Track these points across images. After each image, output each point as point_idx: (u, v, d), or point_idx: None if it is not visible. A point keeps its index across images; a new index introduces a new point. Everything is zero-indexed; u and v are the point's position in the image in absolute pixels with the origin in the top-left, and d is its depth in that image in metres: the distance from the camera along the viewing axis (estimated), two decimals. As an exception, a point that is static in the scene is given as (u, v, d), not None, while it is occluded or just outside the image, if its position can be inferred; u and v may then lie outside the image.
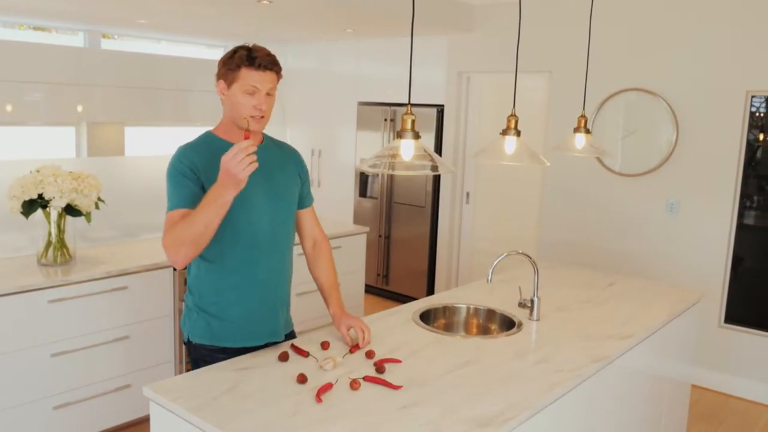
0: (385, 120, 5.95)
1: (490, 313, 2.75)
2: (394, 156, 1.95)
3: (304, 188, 2.34)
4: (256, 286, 2.17)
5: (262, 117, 2.07)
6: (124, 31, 6.44)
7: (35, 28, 6.58)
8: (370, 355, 2.16)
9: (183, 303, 2.25)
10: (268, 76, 2.05)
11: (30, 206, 3.00)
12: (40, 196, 3.01)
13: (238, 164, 1.79)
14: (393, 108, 5.89)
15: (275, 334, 2.25)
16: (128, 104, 6.08)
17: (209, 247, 2.03)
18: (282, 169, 2.22)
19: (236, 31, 6.01)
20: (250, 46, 2.06)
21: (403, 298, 5.76)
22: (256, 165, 1.82)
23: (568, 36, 4.77)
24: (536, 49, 4.85)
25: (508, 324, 2.64)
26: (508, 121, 2.44)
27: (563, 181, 4.91)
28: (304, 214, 2.38)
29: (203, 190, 2.00)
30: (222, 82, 2.07)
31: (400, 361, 2.13)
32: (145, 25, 5.67)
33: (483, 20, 5.28)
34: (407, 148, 1.94)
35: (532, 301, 2.66)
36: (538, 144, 5.01)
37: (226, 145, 2.05)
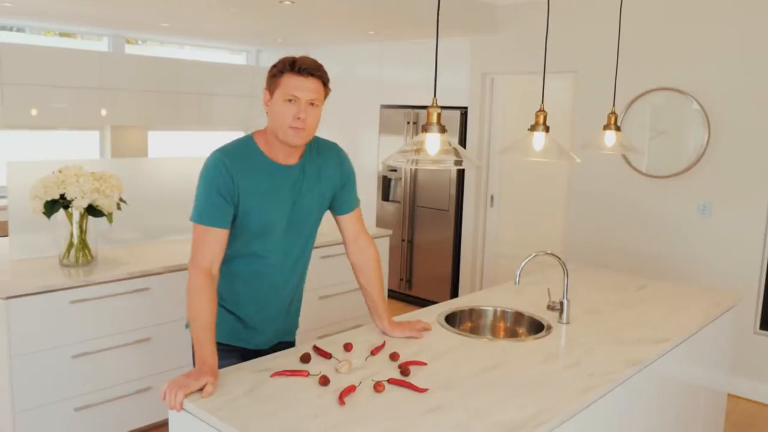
0: (408, 123, 5.89)
1: (518, 316, 2.66)
2: (418, 151, 1.89)
3: (345, 193, 2.22)
4: (260, 299, 2.14)
5: (303, 129, 1.95)
6: (148, 35, 6.47)
7: (61, 34, 6.66)
8: (394, 357, 2.09)
9: None
10: (311, 83, 1.94)
11: (52, 206, 2.99)
12: (62, 196, 3.00)
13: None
14: (416, 111, 5.83)
15: (268, 342, 2.22)
16: (152, 108, 6.10)
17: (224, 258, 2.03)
18: (314, 190, 2.12)
19: (259, 34, 6.00)
20: (297, 56, 1.98)
21: (426, 303, 5.68)
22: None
23: (594, 35, 4.67)
24: (561, 48, 4.76)
25: (537, 327, 2.56)
26: (537, 116, 2.37)
27: (590, 183, 4.81)
28: (345, 220, 2.26)
29: (237, 199, 1.97)
30: (266, 92, 1.99)
31: (425, 364, 2.06)
32: (168, 29, 5.69)
33: (506, 21, 5.21)
34: (433, 142, 1.87)
35: (561, 304, 2.57)
36: (566, 145, 4.91)
37: (262, 158, 2.02)
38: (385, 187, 6.18)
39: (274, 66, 1.97)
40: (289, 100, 1.93)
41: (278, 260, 2.12)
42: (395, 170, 6.08)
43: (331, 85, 2.03)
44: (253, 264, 2.09)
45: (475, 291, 5.64)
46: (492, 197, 5.58)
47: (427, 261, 5.92)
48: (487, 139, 5.51)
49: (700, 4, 4.24)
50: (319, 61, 2.01)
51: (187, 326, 2.24)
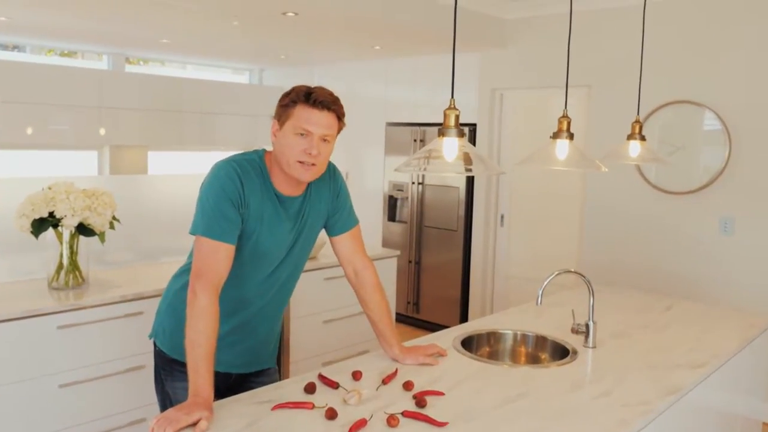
0: (415, 140, 5.73)
1: (540, 340, 2.46)
2: (435, 157, 1.72)
3: (338, 212, 2.06)
4: (237, 321, 1.98)
5: (313, 165, 1.80)
6: (148, 53, 6.36)
7: (61, 54, 6.56)
8: (408, 386, 1.89)
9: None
10: (326, 118, 1.79)
11: (40, 225, 2.81)
12: (51, 214, 2.82)
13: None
14: (423, 128, 5.68)
15: (240, 366, 2.05)
16: (152, 128, 5.96)
17: None
18: (313, 217, 1.99)
19: (261, 51, 5.88)
20: (312, 86, 1.84)
21: (435, 327, 5.46)
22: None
23: (608, 49, 4.52)
24: (575, 62, 4.59)
25: (561, 352, 2.36)
26: (560, 122, 2.20)
27: (605, 200, 4.63)
28: (338, 241, 2.10)
29: (243, 218, 1.83)
30: (275, 122, 1.84)
31: (442, 394, 1.87)
32: (168, 46, 5.57)
33: (517, 35, 5.07)
34: (450, 147, 1.70)
35: (587, 326, 2.37)
36: (577, 162, 4.75)
37: (269, 184, 1.87)
38: (391, 207, 6.00)
39: (287, 95, 1.82)
40: (301, 134, 1.78)
41: (265, 288, 1.97)
42: (401, 189, 5.91)
43: (339, 97, 1.88)
44: (237, 289, 1.92)
45: (485, 314, 5.43)
46: (502, 216, 5.40)
47: (435, 283, 5.72)
48: (497, 156, 5.34)
49: (718, 16, 4.09)
50: (324, 78, 1.90)
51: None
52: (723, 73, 4.07)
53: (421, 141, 5.67)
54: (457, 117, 1.71)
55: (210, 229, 1.78)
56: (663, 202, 4.36)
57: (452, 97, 1.73)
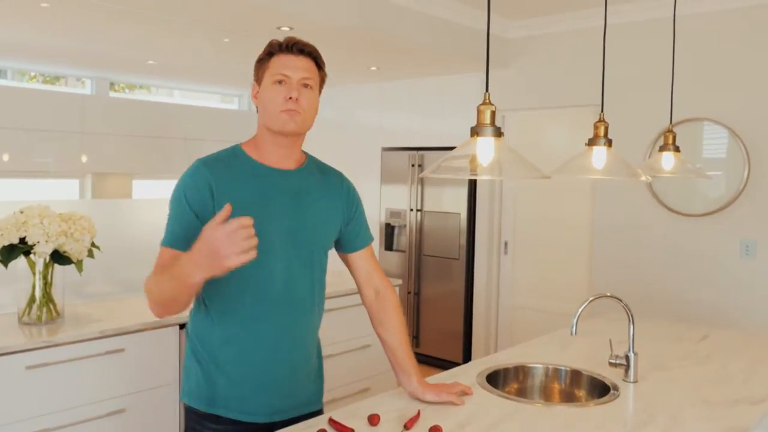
0: (413, 165, 5.50)
1: (575, 375, 2.19)
2: (468, 161, 1.47)
3: (353, 226, 1.85)
4: (263, 348, 1.68)
5: (297, 112, 1.62)
6: (133, 77, 6.12)
7: (44, 81, 6.31)
8: (436, 431, 1.61)
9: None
10: (302, 61, 1.64)
11: (10, 252, 2.52)
12: (23, 240, 2.54)
13: (232, 245, 1.30)
14: (420, 152, 5.45)
15: (283, 412, 1.74)
16: (136, 155, 5.70)
17: (206, 291, 1.65)
18: (319, 204, 1.75)
19: (251, 74, 5.66)
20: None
21: (436, 362, 5.18)
22: (253, 255, 1.33)
23: (618, 67, 4.34)
24: (582, 81, 4.42)
25: (599, 388, 2.09)
26: (596, 128, 1.97)
27: (616, 223, 4.39)
28: (356, 258, 1.88)
29: (212, 213, 1.54)
30: (254, 84, 1.70)
31: (477, 440, 1.59)
32: (155, 68, 5.33)
33: (519, 55, 4.89)
34: (486, 148, 1.45)
35: (627, 358, 2.11)
36: (586, 183, 4.53)
37: (250, 163, 1.67)
38: (389, 235, 5.74)
39: (262, 52, 1.69)
40: (279, 82, 1.62)
41: (281, 296, 1.68)
42: (399, 217, 5.66)
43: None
44: (251, 305, 1.66)
45: (490, 347, 5.15)
46: (506, 244, 5.15)
47: (435, 315, 5.43)
48: (500, 181, 5.12)
49: (735, 33, 3.93)
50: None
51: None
52: (740, 91, 3.89)
53: (419, 166, 5.45)
54: (493, 113, 1.47)
55: (166, 238, 1.64)
56: (678, 225, 4.14)
57: (486, 90, 1.49)
